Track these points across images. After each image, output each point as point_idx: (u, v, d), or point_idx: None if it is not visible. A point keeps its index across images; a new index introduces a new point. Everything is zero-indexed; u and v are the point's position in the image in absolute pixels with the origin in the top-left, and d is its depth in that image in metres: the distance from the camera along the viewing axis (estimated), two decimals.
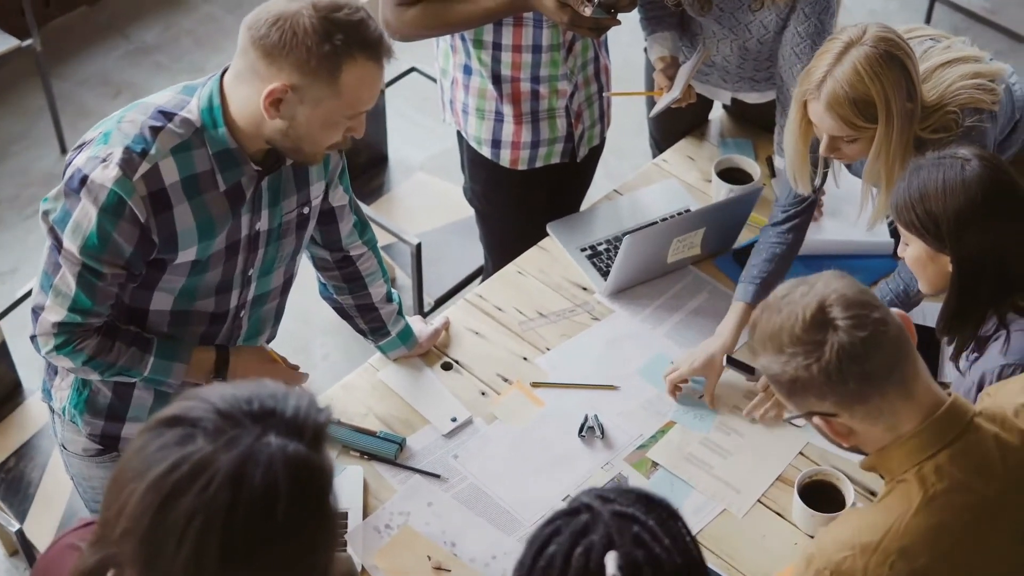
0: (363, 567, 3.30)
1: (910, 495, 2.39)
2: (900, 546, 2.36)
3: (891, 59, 3.26)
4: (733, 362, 3.76)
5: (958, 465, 2.40)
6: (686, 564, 1.90)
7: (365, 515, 3.41)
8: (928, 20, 7.13)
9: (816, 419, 2.43)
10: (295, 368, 3.45)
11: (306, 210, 3.24)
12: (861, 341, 2.30)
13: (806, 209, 3.80)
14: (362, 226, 3.56)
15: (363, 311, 3.66)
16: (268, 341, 3.54)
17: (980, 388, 3.02)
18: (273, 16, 2.80)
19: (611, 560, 1.84)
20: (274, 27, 2.79)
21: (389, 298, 3.69)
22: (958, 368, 3.20)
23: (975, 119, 3.41)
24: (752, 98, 4.39)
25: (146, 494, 1.80)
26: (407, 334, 3.76)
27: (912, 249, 3.06)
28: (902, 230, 3.05)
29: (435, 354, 3.83)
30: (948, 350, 3.35)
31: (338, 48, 2.80)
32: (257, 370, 3.29)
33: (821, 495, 3.43)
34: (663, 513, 1.92)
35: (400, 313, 3.74)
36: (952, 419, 2.42)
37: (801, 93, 3.38)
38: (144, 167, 2.87)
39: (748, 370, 3.77)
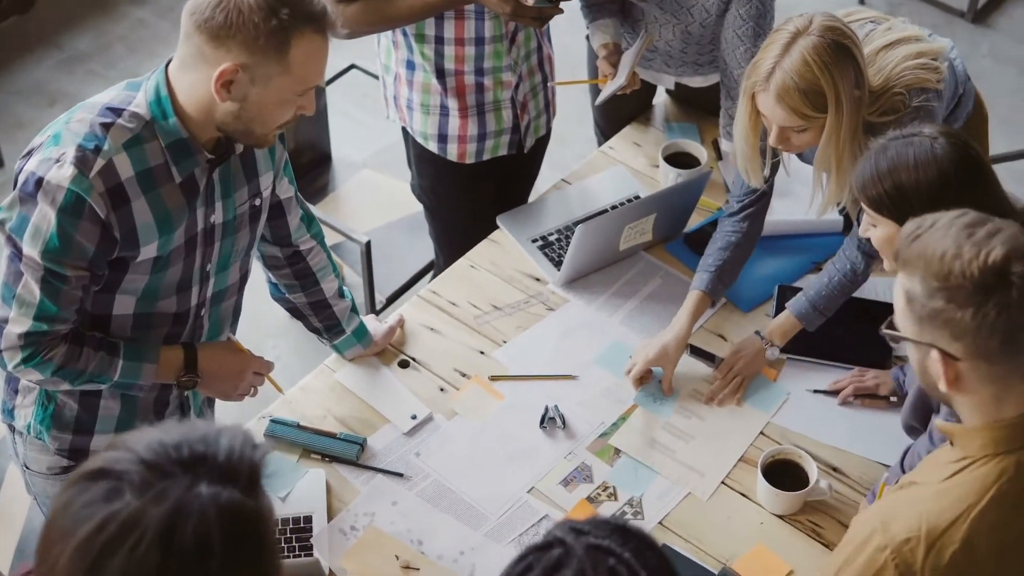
0: (331, 570, 3.29)
1: (985, 483, 2.33)
2: (965, 537, 2.31)
3: (839, 48, 3.26)
4: (695, 350, 3.77)
5: None
6: None
7: (330, 518, 3.40)
8: (863, 1, 7.17)
9: (931, 354, 2.30)
10: (260, 358, 3.42)
11: (258, 202, 3.22)
12: None
13: (760, 198, 3.81)
14: (308, 220, 3.54)
15: (316, 308, 3.64)
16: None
17: None
18: None
19: None
20: (218, 8, 2.77)
21: (341, 294, 3.67)
22: None
23: (922, 99, 3.42)
24: (696, 82, 4.40)
25: (74, 556, 1.71)
26: (362, 332, 3.75)
27: (880, 230, 3.03)
28: (869, 211, 3.02)
29: (391, 352, 3.82)
30: None
31: (285, 23, 2.78)
32: (226, 361, 3.29)
33: (784, 474, 3.44)
34: (640, 544, 1.87)
35: (354, 310, 3.72)
36: None
37: (750, 85, 3.37)
38: (99, 163, 2.85)
39: (709, 357, 3.78)
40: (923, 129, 2.95)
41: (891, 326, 2.40)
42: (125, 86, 2.99)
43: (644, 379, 3.71)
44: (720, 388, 3.73)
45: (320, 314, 3.65)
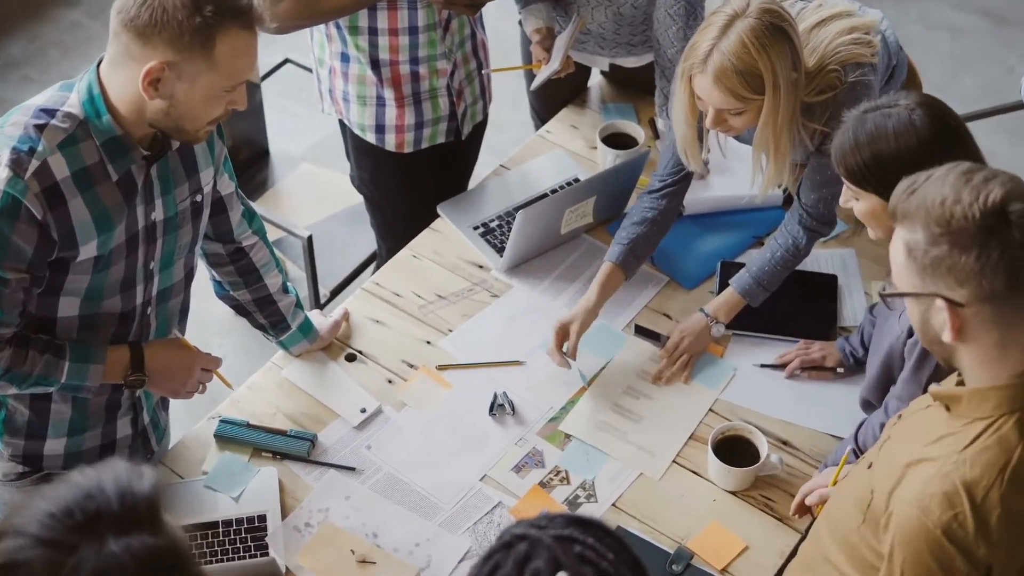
0: (287, 568, 3.28)
1: (1009, 444, 2.34)
2: (1005, 499, 2.32)
3: (776, 30, 3.27)
4: (640, 330, 3.78)
5: None
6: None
7: (284, 516, 3.39)
8: None
9: (936, 304, 2.31)
10: (208, 354, 3.40)
11: (199, 198, 3.21)
12: None
13: (683, 179, 3.82)
14: (250, 215, 3.53)
15: (261, 305, 3.63)
16: None
17: (911, 335, 3.05)
18: None
19: None
20: (143, 7, 2.77)
21: (286, 290, 3.66)
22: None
23: (858, 73, 3.43)
24: (630, 62, 4.40)
25: None
26: (307, 327, 3.74)
27: (863, 203, 3.03)
28: (850, 185, 3.01)
29: (337, 346, 3.81)
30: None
31: (209, 20, 2.78)
32: (173, 359, 3.27)
33: (735, 450, 3.46)
34: (599, 531, 1.88)
35: (299, 305, 3.71)
36: None
37: (686, 68, 3.37)
38: (34, 164, 2.83)
39: (654, 337, 3.79)
40: (900, 100, 2.95)
41: (889, 291, 2.42)
42: (59, 87, 2.97)
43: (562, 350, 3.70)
44: (667, 367, 3.74)
45: (265, 310, 3.64)
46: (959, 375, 2.48)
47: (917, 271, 2.30)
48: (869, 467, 2.61)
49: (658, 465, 3.52)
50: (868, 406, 3.38)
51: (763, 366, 3.76)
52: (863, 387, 3.38)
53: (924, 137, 2.87)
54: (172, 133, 2.97)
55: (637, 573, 1.88)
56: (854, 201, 3.05)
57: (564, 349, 3.69)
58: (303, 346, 3.75)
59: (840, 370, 3.68)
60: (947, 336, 2.32)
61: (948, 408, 2.43)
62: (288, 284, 3.67)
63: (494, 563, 1.86)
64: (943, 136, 2.89)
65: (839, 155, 2.99)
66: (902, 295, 2.37)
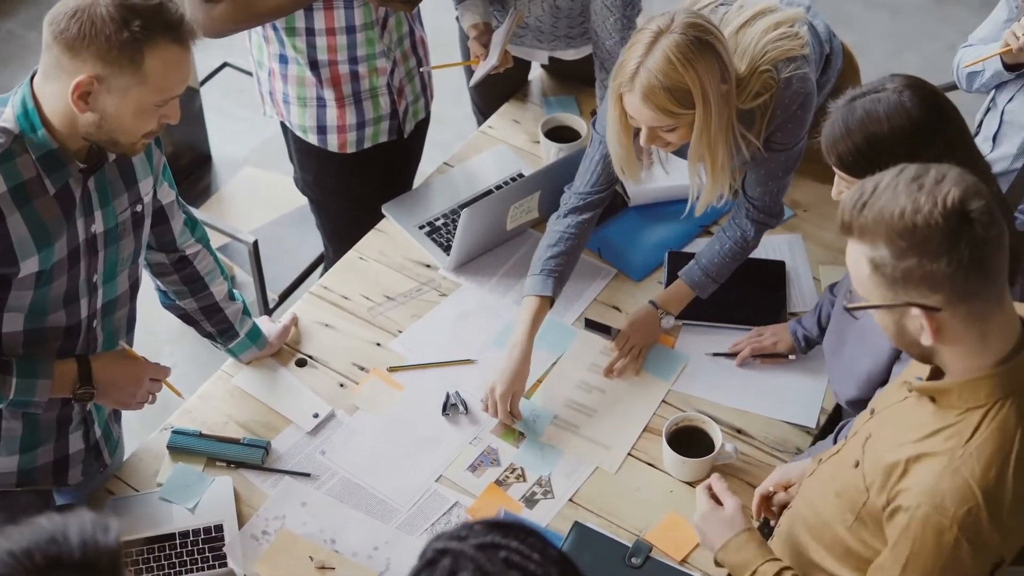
0: None
1: (1010, 429, 2.35)
2: (1013, 486, 2.34)
3: (702, 44, 3.25)
4: (591, 324, 3.78)
5: None
6: (562, 573, 1.87)
7: (240, 525, 3.38)
8: None
9: (911, 313, 2.30)
10: (156, 364, 3.38)
11: (139, 208, 3.18)
12: (993, 239, 2.23)
13: (607, 195, 3.82)
14: (192, 224, 3.51)
15: (208, 313, 3.60)
16: None
17: None
18: (71, 9, 2.76)
19: None
20: (73, 20, 2.75)
21: (232, 297, 3.64)
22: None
23: (791, 68, 3.42)
24: (569, 55, 4.40)
25: None
26: (256, 333, 3.72)
27: None
28: (842, 173, 2.98)
29: (287, 352, 3.79)
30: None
31: (137, 35, 2.76)
32: (122, 370, 3.24)
33: (690, 440, 3.47)
34: (520, 533, 1.87)
35: (246, 312, 3.69)
36: None
37: (616, 87, 3.35)
38: None
39: (605, 330, 3.79)
40: (886, 84, 2.92)
41: (856, 304, 2.42)
42: None
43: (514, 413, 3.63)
44: (618, 360, 3.74)
45: (212, 318, 3.61)
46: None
47: (887, 284, 2.30)
48: (856, 465, 2.60)
49: (614, 458, 3.53)
50: (860, 404, 3.34)
51: (716, 355, 3.76)
52: (851, 384, 3.34)
53: (916, 117, 2.84)
54: (106, 146, 2.95)
55: (565, 569, 1.88)
56: (846, 189, 3.01)
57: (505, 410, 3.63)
58: (252, 353, 3.73)
59: (792, 357, 3.68)
60: (927, 340, 2.32)
61: (933, 400, 2.44)
62: (235, 291, 3.65)
63: None
64: (934, 114, 2.87)
65: (830, 144, 2.95)
66: (874, 307, 2.37)
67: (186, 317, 3.62)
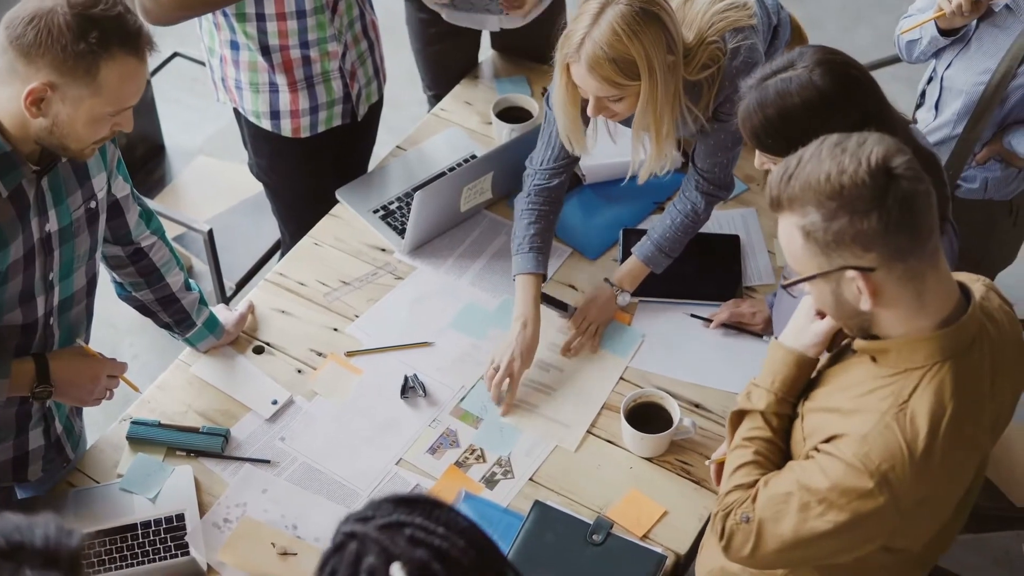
0: (209, 566, 3.28)
1: (945, 393, 2.37)
2: (943, 449, 2.35)
3: (647, 15, 3.25)
4: (547, 299, 3.79)
5: (978, 362, 2.42)
6: (470, 543, 1.87)
7: (202, 513, 3.39)
8: None
9: (846, 276, 2.32)
10: (112, 360, 3.36)
11: (93, 204, 3.17)
12: (920, 194, 2.26)
13: (571, 162, 3.84)
14: (147, 216, 3.49)
15: (164, 304, 3.60)
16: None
17: None
18: (29, 14, 2.75)
19: (396, 571, 1.80)
20: (29, 26, 2.73)
21: (188, 287, 3.64)
22: None
23: (739, 39, 3.42)
24: (518, 21, 4.39)
25: None
26: (213, 322, 3.72)
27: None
28: (764, 154, 2.98)
29: (245, 339, 3.79)
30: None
31: (93, 46, 2.75)
32: (79, 367, 3.23)
33: (649, 416, 3.48)
34: (426, 506, 1.88)
35: (203, 302, 3.68)
36: (977, 315, 2.42)
37: (562, 57, 3.36)
38: None
39: (561, 307, 3.80)
40: (797, 62, 2.90)
41: (791, 279, 2.43)
42: None
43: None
44: (575, 338, 3.75)
45: (168, 309, 3.61)
46: None
47: (820, 251, 2.32)
48: (799, 419, 2.63)
49: (573, 436, 3.54)
50: None
51: (693, 316, 3.80)
52: None
53: (827, 92, 2.83)
54: (57, 151, 2.94)
55: (474, 540, 1.88)
56: (771, 164, 3.02)
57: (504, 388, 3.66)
58: (210, 342, 3.73)
59: (766, 339, 3.69)
60: (865, 304, 2.34)
61: (874, 360, 2.46)
62: (190, 281, 3.65)
63: (331, 569, 1.86)
64: (845, 87, 2.86)
65: (747, 127, 2.95)
66: (809, 279, 2.39)
67: (143, 308, 3.61)
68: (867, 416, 2.41)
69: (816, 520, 2.44)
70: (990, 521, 4.06)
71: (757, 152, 3.02)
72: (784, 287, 2.51)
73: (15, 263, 2.99)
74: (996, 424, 2.54)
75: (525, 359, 3.63)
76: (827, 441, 2.46)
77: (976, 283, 2.57)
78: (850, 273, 2.31)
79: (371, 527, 1.84)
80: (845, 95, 2.84)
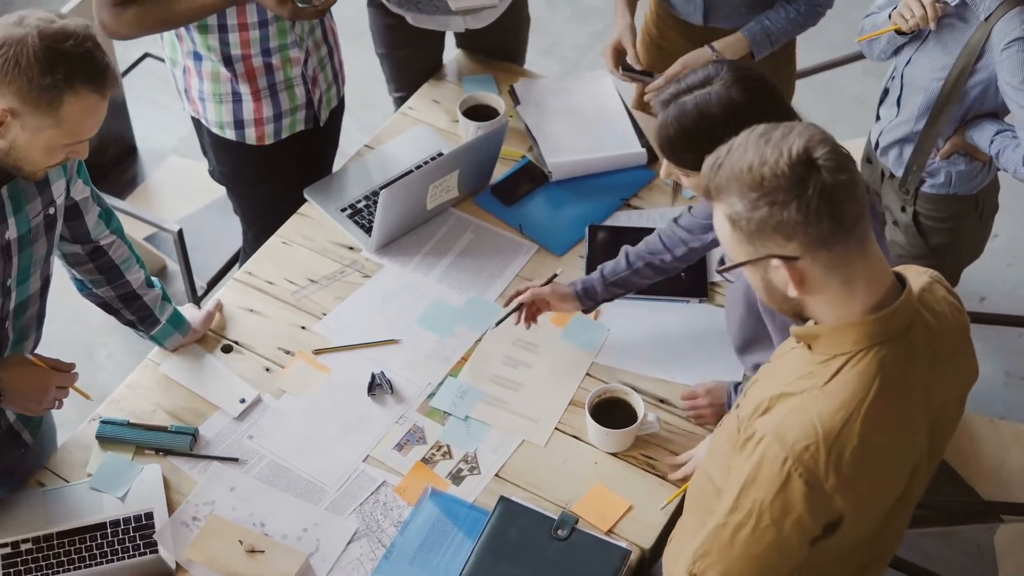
0: (178, 564, 3.29)
1: (867, 377, 2.38)
2: (861, 433, 2.35)
3: None
4: (628, 69, 4.01)
5: (910, 351, 2.42)
6: None
7: (170, 512, 3.40)
8: None
9: (771, 264, 2.35)
10: (68, 368, 3.34)
11: (52, 210, 3.18)
12: (842, 184, 2.27)
13: None
14: (107, 216, 3.50)
15: (126, 301, 3.60)
16: (35, 345, 3.46)
17: None
18: (0, 39, 2.77)
19: None
20: None
21: (150, 284, 3.64)
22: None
23: None
24: (484, 22, 4.43)
25: None
26: (178, 319, 3.72)
27: (696, 180, 3.07)
28: (674, 167, 3.08)
29: (213, 338, 3.80)
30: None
31: (59, 82, 2.77)
32: (28, 379, 3.23)
33: (614, 412, 3.50)
34: None
35: (166, 298, 3.68)
36: (910, 303, 2.43)
37: None
38: None
39: (647, 75, 3.94)
40: (714, 78, 3.00)
41: (724, 266, 2.45)
42: None
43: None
44: (656, 88, 3.96)
45: (131, 306, 3.61)
46: None
47: (745, 239, 2.34)
48: (736, 407, 2.65)
49: (542, 431, 3.56)
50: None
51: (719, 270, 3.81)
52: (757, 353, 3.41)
53: (746, 107, 2.92)
54: (10, 170, 2.96)
55: None
56: (683, 179, 3.12)
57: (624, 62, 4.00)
58: (176, 339, 3.74)
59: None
60: (792, 292, 2.36)
61: (810, 347, 2.48)
62: (152, 278, 3.66)
63: None
64: (762, 101, 2.95)
65: (665, 141, 3.04)
66: (737, 266, 2.41)
67: (105, 305, 3.62)
68: (790, 400, 2.44)
69: (749, 531, 2.45)
70: (960, 515, 4.07)
71: (665, 163, 3.11)
72: (719, 271, 2.53)
73: None
74: (941, 416, 2.54)
75: (630, 38, 4.06)
76: (750, 430, 2.48)
77: (922, 275, 2.59)
78: (774, 262, 2.33)
79: None
80: (761, 107, 2.91)
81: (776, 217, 2.28)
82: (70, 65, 2.77)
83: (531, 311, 3.70)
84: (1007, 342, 5.24)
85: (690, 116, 2.97)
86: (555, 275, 3.74)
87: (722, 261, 2.46)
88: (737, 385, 3.51)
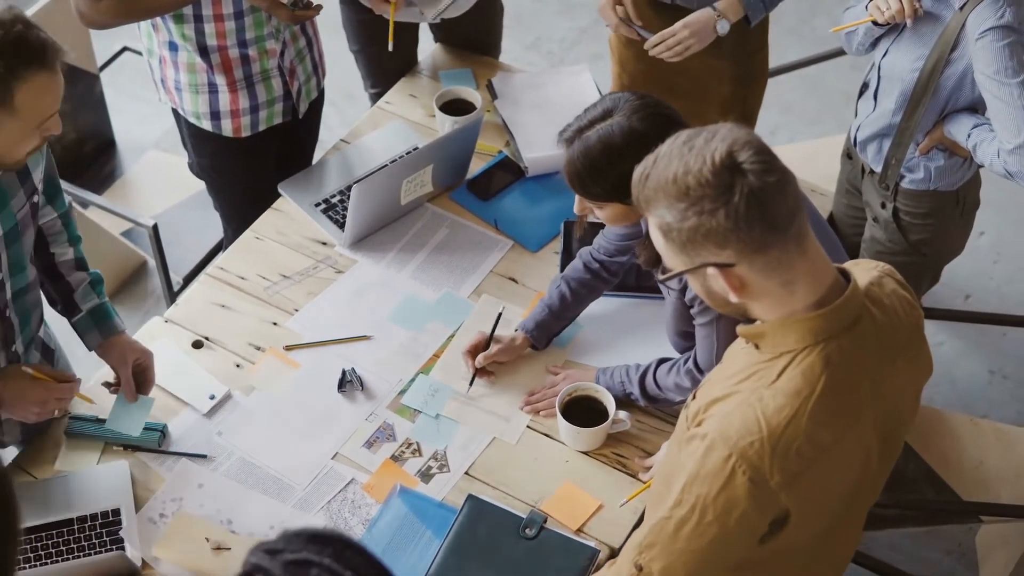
0: (144, 561, 3.27)
1: (813, 374, 2.35)
2: (807, 429, 2.33)
3: None
4: (628, 22, 4.07)
5: (856, 347, 2.39)
6: None
7: (137, 508, 3.38)
8: None
9: (708, 272, 2.31)
10: (65, 378, 3.34)
11: (35, 198, 3.18)
12: (770, 186, 2.22)
13: None
14: (53, 195, 3.41)
15: (48, 274, 3.47)
16: (39, 324, 3.48)
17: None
18: None
19: None
20: None
21: (80, 267, 3.50)
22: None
23: None
24: (458, 12, 4.41)
25: None
26: (102, 316, 3.50)
27: (607, 211, 3.18)
28: (587, 201, 3.18)
29: (184, 333, 3.78)
30: None
31: (3, 74, 2.76)
32: (28, 392, 3.23)
33: (587, 410, 3.47)
34: (338, 546, 1.85)
35: (97, 291, 3.52)
36: (856, 298, 2.39)
37: None
38: None
39: (644, 31, 4.05)
40: (614, 111, 3.07)
41: (665, 275, 2.42)
42: None
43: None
44: (663, 48, 4.05)
45: (54, 282, 3.48)
46: None
47: (679, 249, 2.31)
48: (686, 406, 2.63)
49: (514, 429, 3.54)
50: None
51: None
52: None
53: (649, 134, 2.95)
54: None
55: None
56: (597, 211, 3.18)
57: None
58: (95, 338, 3.50)
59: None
60: (732, 297, 2.33)
61: (757, 346, 2.45)
62: (90, 268, 3.53)
63: None
64: (664, 128, 2.86)
65: (573, 175, 3.13)
66: (675, 275, 2.38)
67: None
68: (737, 397, 2.41)
69: (692, 526, 2.43)
70: (940, 514, 4.05)
71: (577, 199, 3.19)
72: (659, 282, 2.50)
73: None
74: (893, 411, 2.51)
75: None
76: (699, 425, 2.46)
77: (871, 270, 2.56)
78: (710, 270, 2.30)
79: (278, 562, 1.81)
80: (663, 134, 2.86)
81: (706, 226, 2.23)
82: (7, 55, 2.75)
83: (484, 372, 3.69)
84: (991, 340, 5.21)
85: (595, 149, 3.05)
86: (499, 314, 3.73)
87: (663, 270, 2.42)
88: (607, 370, 3.56)
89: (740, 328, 2.48)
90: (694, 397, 2.61)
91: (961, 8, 3.62)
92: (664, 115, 3.04)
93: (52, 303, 3.55)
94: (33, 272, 3.28)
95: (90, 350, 3.53)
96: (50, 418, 3.39)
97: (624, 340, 3.73)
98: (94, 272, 3.54)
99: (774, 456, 2.32)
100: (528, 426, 3.53)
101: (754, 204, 2.21)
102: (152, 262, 4.99)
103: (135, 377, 3.46)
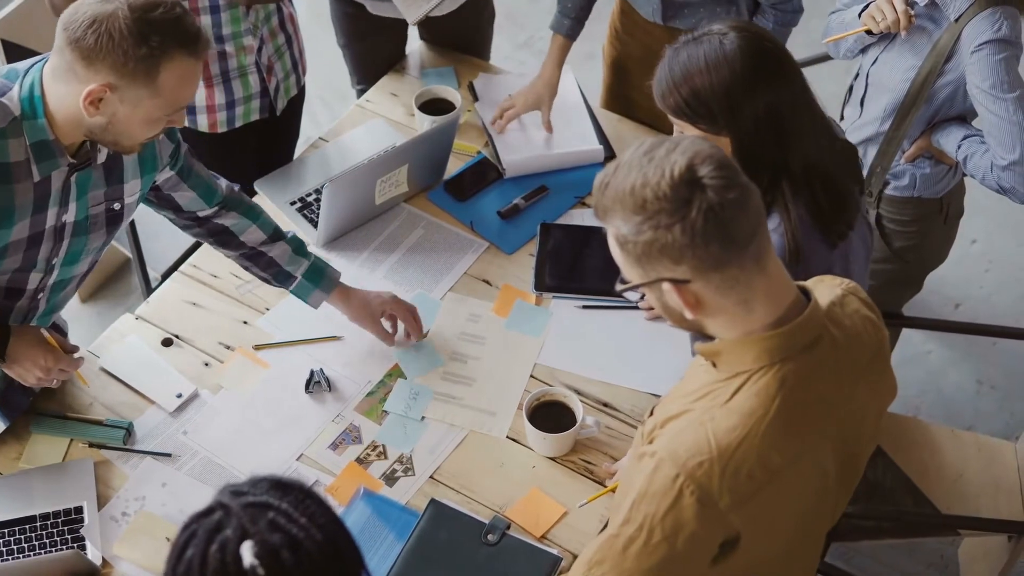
0: (104, 560, 3.25)
1: (767, 395, 2.30)
2: (759, 451, 2.28)
3: None
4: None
5: (814, 368, 2.34)
6: (327, 538, 1.91)
7: (100, 506, 3.36)
8: None
9: (663, 288, 2.27)
10: (73, 350, 3.37)
11: (117, 206, 3.21)
12: (729, 203, 2.17)
13: None
14: (209, 194, 3.50)
15: (252, 259, 3.60)
16: (57, 313, 3.52)
17: None
18: (89, 18, 2.77)
19: (246, 550, 1.86)
20: (90, 30, 2.76)
21: (276, 238, 3.60)
22: None
23: None
24: (445, 9, 4.38)
25: None
26: (317, 274, 3.64)
27: (691, 134, 2.96)
28: (673, 119, 2.96)
29: (154, 331, 3.76)
30: None
31: (154, 50, 2.78)
32: (35, 354, 3.24)
33: (556, 415, 3.44)
34: (299, 495, 1.93)
35: (300, 252, 3.62)
36: (816, 318, 2.35)
37: None
38: None
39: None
40: (712, 27, 2.90)
41: (623, 285, 2.37)
42: (6, 72, 2.97)
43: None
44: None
45: (259, 263, 3.61)
46: None
47: (635, 262, 2.26)
48: (643, 422, 2.58)
49: (501, 423, 3.53)
50: None
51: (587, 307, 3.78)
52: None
53: (736, 67, 2.84)
54: (107, 145, 3.00)
55: (333, 537, 1.93)
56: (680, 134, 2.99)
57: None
58: (319, 296, 3.66)
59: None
60: (688, 314, 2.29)
61: (715, 365, 2.40)
62: (284, 232, 3.63)
63: (191, 531, 1.95)
64: (756, 63, 2.85)
65: (658, 92, 2.94)
66: (632, 288, 2.33)
67: (237, 261, 3.65)
68: (690, 416, 2.37)
69: (640, 545, 2.38)
70: (921, 527, 4.01)
71: (675, 123, 3.01)
72: (618, 291, 2.44)
73: (16, 243, 3.04)
74: (853, 434, 2.47)
75: (525, 100, 4.15)
76: (651, 442, 2.41)
77: (834, 288, 2.51)
78: (665, 285, 2.26)
79: (239, 502, 1.90)
80: (755, 68, 2.86)
81: (661, 240, 2.19)
82: (163, 33, 2.79)
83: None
84: (980, 350, 5.17)
85: (680, 60, 2.92)
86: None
87: (622, 280, 2.37)
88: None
89: (698, 346, 2.43)
90: (651, 414, 2.57)
91: (956, 20, 3.58)
92: (764, 48, 2.88)
93: (265, 281, 3.67)
94: (80, 271, 3.32)
95: (315, 308, 3.69)
96: (43, 386, 3.43)
97: (596, 346, 3.71)
98: (291, 235, 3.64)
99: (723, 477, 2.28)
100: None
101: (712, 220, 2.16)
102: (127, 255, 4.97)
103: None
